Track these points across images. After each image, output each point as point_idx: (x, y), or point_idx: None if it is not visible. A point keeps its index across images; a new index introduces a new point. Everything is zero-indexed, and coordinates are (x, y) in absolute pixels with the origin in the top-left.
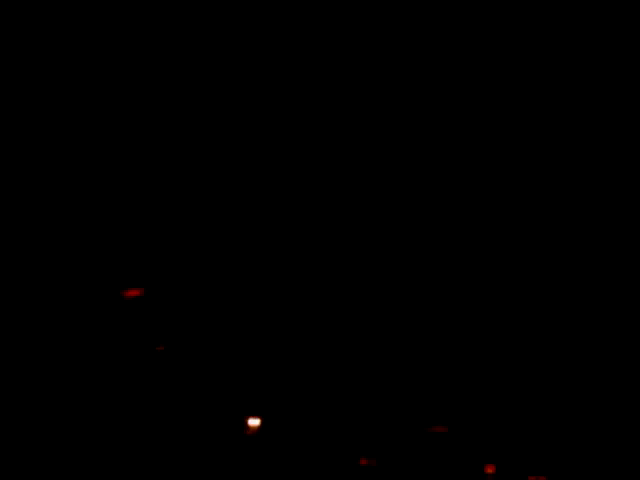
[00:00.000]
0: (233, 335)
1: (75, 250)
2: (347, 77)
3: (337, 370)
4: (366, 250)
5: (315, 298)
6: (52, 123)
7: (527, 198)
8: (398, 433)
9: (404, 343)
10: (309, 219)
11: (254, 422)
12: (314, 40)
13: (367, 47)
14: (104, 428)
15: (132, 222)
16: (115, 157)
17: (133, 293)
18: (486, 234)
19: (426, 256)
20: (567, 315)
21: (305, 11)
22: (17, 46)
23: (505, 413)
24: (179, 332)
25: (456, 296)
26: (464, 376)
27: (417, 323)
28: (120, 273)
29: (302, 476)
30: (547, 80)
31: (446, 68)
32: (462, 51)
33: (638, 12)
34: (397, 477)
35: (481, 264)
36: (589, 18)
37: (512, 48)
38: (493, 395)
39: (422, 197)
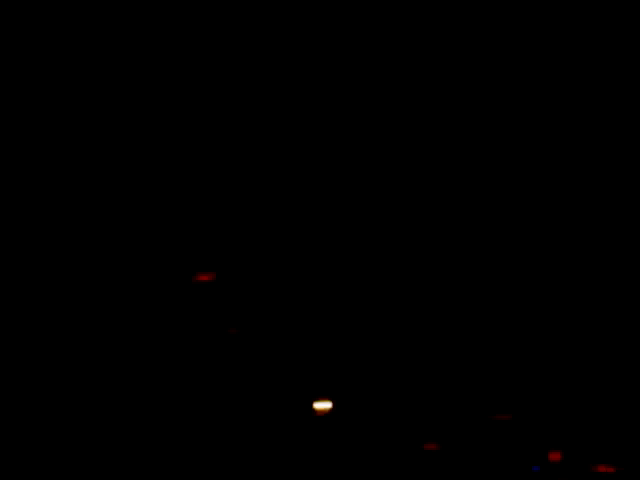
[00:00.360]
0: (303, 319)
1: (149, 237)
2: (347, 77)
3: (409, 360)
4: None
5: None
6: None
7: (527, 198)
8: (464, 420)
9: (470, 333)
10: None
11: (324, 405)
12: (314, 40)
13: (367, 47)
14: (180, 406)
15: (202, 210)
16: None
17: (204, 278)
18: (486, 234)
19: (427, 255)
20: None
21: (305, 11)
22: (17, 46)
23: (570, 402)
24: (250, 315)
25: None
26: (530, 366)
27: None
28: (191, 259)
29: (366, 459)
30: (547, 80)
31: (446, 68)
32: (462, 51)
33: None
34: (462, 463)
35: (481, 263)
36: (589, 18)
37: (512, 48)
38: (557, 384)
39: (422, 197)
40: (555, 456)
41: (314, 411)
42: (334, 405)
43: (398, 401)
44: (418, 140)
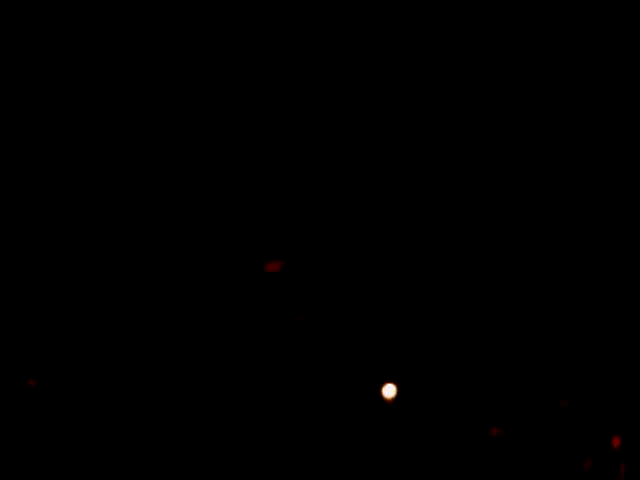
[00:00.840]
0: (369, 307)
1: (221, 227)
2: (347, 77)
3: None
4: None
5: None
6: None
7: (527, 198)
8: (526, 406)
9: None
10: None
11: (390, 392)
12: (314, 40)
13: (367, 47)
14: (253, 391)
15: (272, 202)
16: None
17: (273, 267)
18: (486, 234)
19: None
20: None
21: (305, 11)
22: (17, 46)
23: (629, 388)
24: (319, 303)
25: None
26: (588, 355)
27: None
28: (260, 248)
29: (432, 443)
30: (547, 80)
31: (446, 68)
32: (462, 51)
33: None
34: (526, 447)
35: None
36: (589, 18)
37: (512, 48)
38: (614, 371)
39: (422, 197)
40: (616, 442)
41: (383, 398)
42: (399, 391)
43: (459, 388)
44: (418, 140)
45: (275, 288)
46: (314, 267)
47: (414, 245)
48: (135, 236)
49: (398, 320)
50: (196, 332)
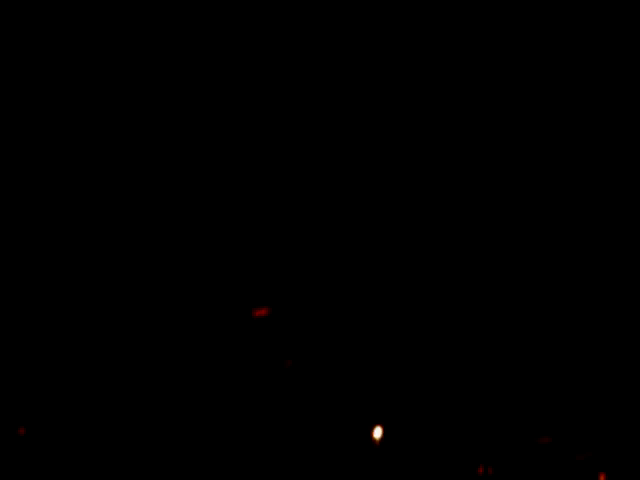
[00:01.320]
0: (357, 350)
1: (206, 270)
2: (347, 77)
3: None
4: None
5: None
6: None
7: (527, 198)
8: (509, 444)
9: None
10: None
11: (377, 432)
12: (314, 40)
13: (367, 47)
14: (236, 438)
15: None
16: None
17: (261, 312)
18: (486, 234)
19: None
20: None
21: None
22: (17, 46)
23: (611, 425)
24: (306, 347)
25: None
26: (570, 387)
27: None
28: (248, 293)
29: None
30: (547, 80)
31: (446, 68)
32: (462, 51)
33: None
34: None
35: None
36: (589, 18)
37: (512, 48)
38: (596, 407)
39: (422, 197)
40: (602, 478)
41: (372, 439)
42: (386, 432)
43: (445, 426)
44: (418, 140)
45: (263, 333)
46: (302, 312)
47: (403, 293)
48: (120, 273)
49: (386, 364)
50: (184, 376)
